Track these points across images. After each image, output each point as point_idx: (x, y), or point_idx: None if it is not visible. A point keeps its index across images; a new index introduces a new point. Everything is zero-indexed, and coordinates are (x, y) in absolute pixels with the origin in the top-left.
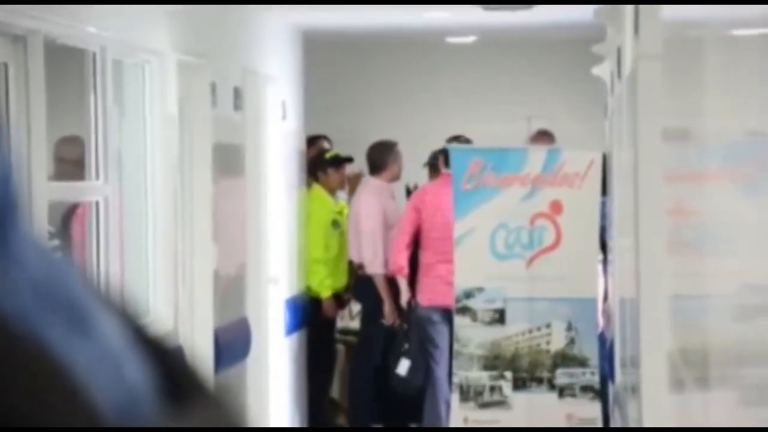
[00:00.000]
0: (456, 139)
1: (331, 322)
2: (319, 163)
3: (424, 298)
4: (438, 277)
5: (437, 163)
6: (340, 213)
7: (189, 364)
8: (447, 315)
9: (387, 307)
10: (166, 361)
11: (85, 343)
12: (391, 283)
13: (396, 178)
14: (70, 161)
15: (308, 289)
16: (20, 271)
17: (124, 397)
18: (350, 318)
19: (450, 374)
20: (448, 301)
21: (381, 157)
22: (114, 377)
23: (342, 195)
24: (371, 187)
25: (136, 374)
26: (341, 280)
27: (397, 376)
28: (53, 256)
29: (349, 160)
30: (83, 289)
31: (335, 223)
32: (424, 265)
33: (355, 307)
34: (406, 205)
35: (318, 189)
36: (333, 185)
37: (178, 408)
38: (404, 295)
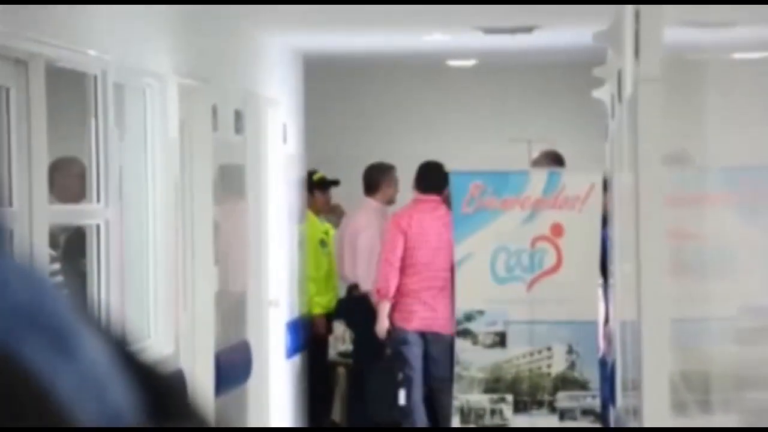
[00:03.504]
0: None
1: (324, 343)
2: (306, 186)
3: (411, 324)
4: (423, 303)
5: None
6: (326, 233)
7: (176, 385)
8: (423, 338)
9: (379, 324)
10: (152, 382)
11: (69, 364)
12: None
13: (391, 201)
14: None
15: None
16: (2, 294)
17: (107, 417)
18: (351, 342)
19: (450, 397)
20: (435, 328)
21: (375, 178)
22: (97, 397)
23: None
24: (369, 208)
25: (119, 395)
26: (330, 300)
27: (399, 408)
28: (39, 280)
29: (335, 183)
30: (68, 313)
31: (323, 243)
32: (410, 291)
33: (348, 330)
34: (390, 229)
35: (305, 210)
36: (319, 207)
37: (162, 427)
38: (384, 323)
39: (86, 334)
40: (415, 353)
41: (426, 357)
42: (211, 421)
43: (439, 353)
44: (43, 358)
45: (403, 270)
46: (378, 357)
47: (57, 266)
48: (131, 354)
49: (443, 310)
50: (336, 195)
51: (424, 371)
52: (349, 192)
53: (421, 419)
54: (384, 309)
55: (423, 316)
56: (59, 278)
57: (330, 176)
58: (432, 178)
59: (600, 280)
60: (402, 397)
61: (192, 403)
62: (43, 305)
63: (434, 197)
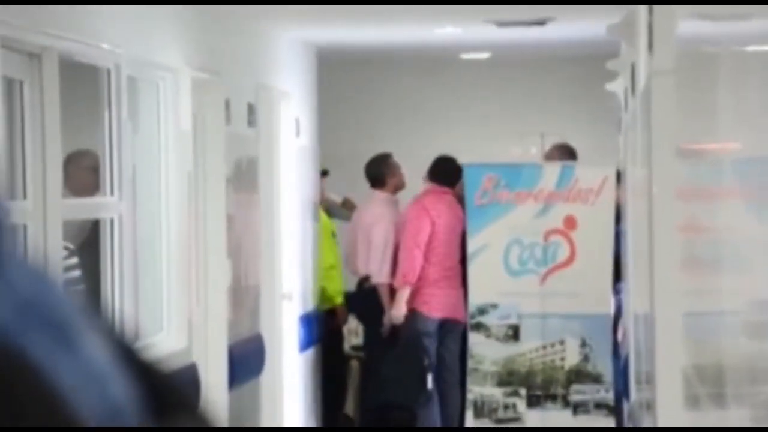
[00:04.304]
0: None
1: (340, 335)
2: None
3: (434, 311)
4: (444, 291)
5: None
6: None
7: (177, 383)
8: (441, 326)
9: (397, 309)
10: (153, 379)
11: (70, 360)
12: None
13: (399, 188)
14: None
15: (322, 293)
16: (7, 290)
17: (107, 412)
18: (365, 336)
19: (464, 391)
20: (455, 315)
21: (378, 172)
22: (98, 392)
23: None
24: (379, 199)
25: (120, 390)
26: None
27: (426, 392)
28: (43, 275)
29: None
30: (71, 309)
31: (333, 234)
32: (431, 279)
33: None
34: (417, 215)
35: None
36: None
37: (161, 423)
38: (402, 309)
39: (89, 330)
40: (434, 343)
41: (440, 345)
42: (213, 419)
43: (453, 343)
44: (45, 353)
45: (425, 257)
46: (390, 346)
47: (75, 260)
48: (133, 351)
49: (460, 298)
50: (349, 189)
51: (438, 361)
52: (362, 185)
53: (436, 410)
54: (404, 294)
55: (445, 303)
56: (77, 272)
57: (342, 169)
58: (447, 172)
59: (613, 274)
60: (430, 381)
61: (193, 400)
62: (46, 301)
63: (447, 189)
